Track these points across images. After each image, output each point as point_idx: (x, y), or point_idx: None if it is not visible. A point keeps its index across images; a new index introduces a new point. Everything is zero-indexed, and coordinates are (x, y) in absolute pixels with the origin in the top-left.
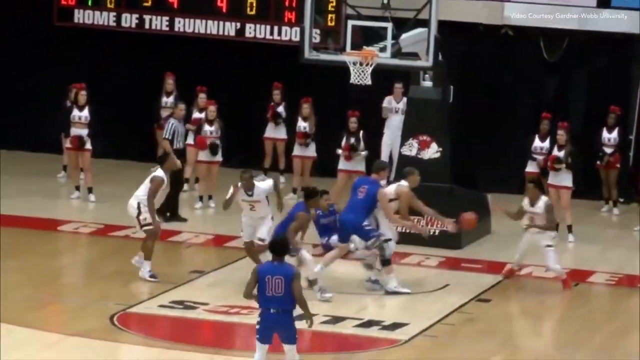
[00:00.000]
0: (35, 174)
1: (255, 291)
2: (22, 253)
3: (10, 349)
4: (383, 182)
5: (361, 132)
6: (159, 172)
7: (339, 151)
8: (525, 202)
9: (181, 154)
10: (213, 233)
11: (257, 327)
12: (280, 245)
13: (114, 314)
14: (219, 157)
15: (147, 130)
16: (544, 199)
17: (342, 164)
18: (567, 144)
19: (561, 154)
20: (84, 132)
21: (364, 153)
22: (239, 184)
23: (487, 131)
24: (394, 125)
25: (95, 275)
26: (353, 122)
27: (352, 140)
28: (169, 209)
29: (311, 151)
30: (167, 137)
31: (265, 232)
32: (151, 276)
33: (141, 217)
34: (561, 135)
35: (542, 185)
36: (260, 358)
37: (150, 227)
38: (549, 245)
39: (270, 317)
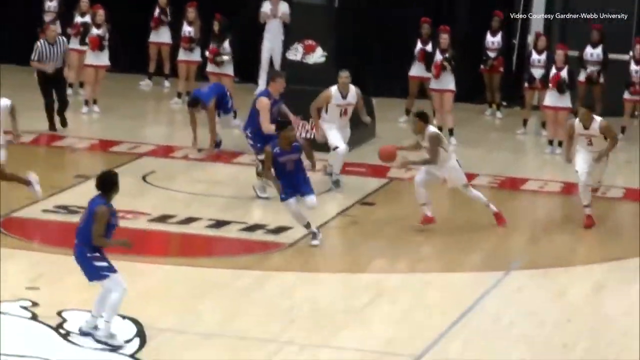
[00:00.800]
0: None
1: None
2: None
3: None
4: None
5: (228, 37)
6: None
7: (207, 53)
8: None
9: (50, 76)
10: (98, 138)
11: None
12: (101, 180)
13: None
14: (105, 61)
15: (31, 33)
16: (429, 131)
17: (209, 67)
18: (449, 47)
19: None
20: None
21: (226, 57)
22: None
23: (373, 35)
24: (273, 30)
25: None
26: (215, 25)
27: (216, 43)
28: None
29: (196, 56)
30: (32, 58)
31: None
32: None
33: None
34: (444, 39)
35: (426, 117)
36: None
37: None
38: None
39: (73, 250)
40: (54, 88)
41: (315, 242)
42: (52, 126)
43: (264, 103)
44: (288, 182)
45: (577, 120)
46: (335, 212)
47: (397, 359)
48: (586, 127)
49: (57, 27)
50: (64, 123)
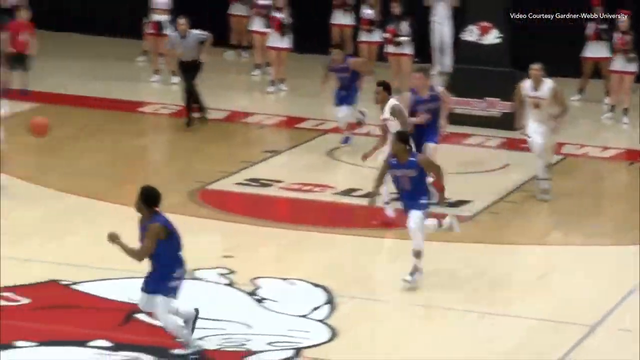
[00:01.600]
0: (112, 58)
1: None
2: (102, 133)
3: (86, 222)
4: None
5: (407, 18)
6: None
7: (385, 35)
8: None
9: (184, 64)
10: (285, 115)
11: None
12: (150, 194)
13: (193, 190)
14: (287, 44)
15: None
16: (392, 102)
17: (389, 48)
18: (629, 31)
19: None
20: (163, 18)
21: (403, 39)
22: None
23: (546, 16)
24: (440, 13)
25: (173, 154)
26: (395, 7)
27: (394, 24)
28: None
29: (376, 37)
30: (167, 47)
31: None
32: None
33: None
34: (624, 21)
35: (390, 88)
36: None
37: None
38: None
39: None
40: (186, 78)
41: (408, 277)
42: (187, 114)
43: (404, 97)
44: (402, 197)
45: None
46: (512, 187)
47: (574, 327)
48: None
49: (185, 21)
50: (203, 117)
